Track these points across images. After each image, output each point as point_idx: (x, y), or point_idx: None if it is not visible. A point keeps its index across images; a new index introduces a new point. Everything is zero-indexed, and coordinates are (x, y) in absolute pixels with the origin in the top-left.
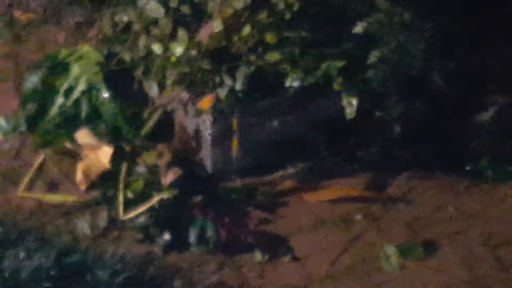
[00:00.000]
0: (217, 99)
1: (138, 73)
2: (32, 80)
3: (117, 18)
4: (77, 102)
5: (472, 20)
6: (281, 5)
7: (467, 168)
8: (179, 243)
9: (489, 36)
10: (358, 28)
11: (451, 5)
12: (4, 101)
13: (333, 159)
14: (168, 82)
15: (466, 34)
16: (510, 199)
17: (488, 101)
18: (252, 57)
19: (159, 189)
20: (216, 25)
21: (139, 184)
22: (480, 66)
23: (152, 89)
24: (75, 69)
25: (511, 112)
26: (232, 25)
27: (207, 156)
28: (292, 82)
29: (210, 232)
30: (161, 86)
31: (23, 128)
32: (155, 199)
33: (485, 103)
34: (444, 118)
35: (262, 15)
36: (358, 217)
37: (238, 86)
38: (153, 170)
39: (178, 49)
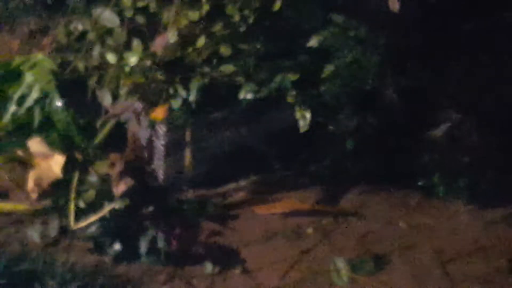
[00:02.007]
0: (171, 110)
1: (92, 82)
2: None
3: (71, 27)
4: (30, 110)
5: (426, 36)
6: (237, 17)
7: (419, 183)
8: (129, 254)
9: (443, 52)
10: (313, 42)
11: (405, 22)
12: None
13: (285, 172)
14: (122, 92)
15: (420, 50)
16: (461, 215)
17: (441, 117)
18: (206, 69)
19: (111, 199)
20: (171, 36)
21: (91, 194)
22: (433, 82)
23: (106, 98)
24: (28, 77)
25: (463, 129)
26: (187, 37)
27: (159, 167)
28: (246, 94)
29: (161, 243)
30: (115, 96)
31: None
32: (106, 209)
33: (438, 119)
34: (396, 133)
35: (217, 27)
36: (309, 230)
37: (191, 98)
38: (105, 180)
39: (132, 59)
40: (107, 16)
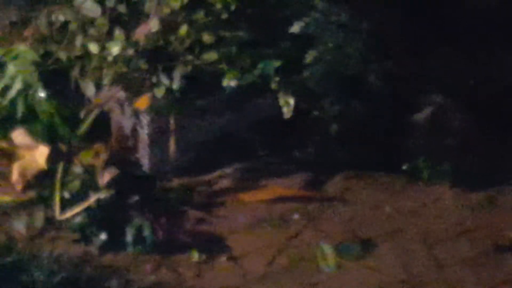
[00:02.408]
0: (154, 99)
1: (75, 72)
2: None
3: (53, 17)
4: (13, 101)
5: (411, 21)
6: (218, 5)
7: (404, 167)
8: (115, 243)
9: (428, 38)
10: (295, 28)
11: (389, 6)
12: None
13: (270, 159)
14: (105, 81)
15: (404, 35)
16: (446, 198)
17: (425, 102)
18: (189, 57)
19: (96, 189)
20: (153, 25)
21: (76, 184)
22: (418, 67)
23: (89, 88)
24: (10, 69)
25: (447, 112)
26: (169, 25)
27: (144, 156)
28: (229, 81)
29: (147, 232)
30: (98, 86)
31: None
32: (91, 199)
33: (422, 104)
34: (380, 118)
35: (199, 15)
36: (295, 216)
37: (175, 86)
38: (90, 170)
39: (114, 49)
40: (89, 6)
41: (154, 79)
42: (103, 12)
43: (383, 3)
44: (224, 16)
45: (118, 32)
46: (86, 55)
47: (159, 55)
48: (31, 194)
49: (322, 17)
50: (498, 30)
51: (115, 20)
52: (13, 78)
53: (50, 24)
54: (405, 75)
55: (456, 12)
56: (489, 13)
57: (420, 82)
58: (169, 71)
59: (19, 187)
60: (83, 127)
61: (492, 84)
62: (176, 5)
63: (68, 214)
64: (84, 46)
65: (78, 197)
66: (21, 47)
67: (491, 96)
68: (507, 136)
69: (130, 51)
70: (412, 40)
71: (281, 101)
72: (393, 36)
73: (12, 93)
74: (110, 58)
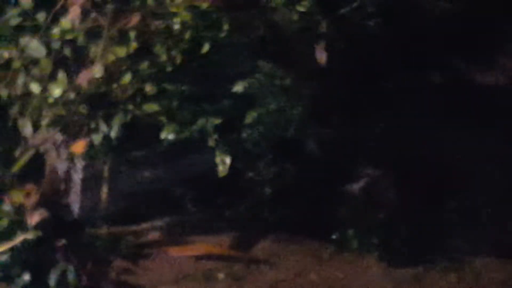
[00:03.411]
0: (91, 145)
1: (14, 110)
2: None
3: None
4: None
5: (351, 90)
6: (164, 57)
7: (333, 236)
8: (38, 286)
9: (367, 110)
10: (239, 87)
11: (331, 75)
12: None
13: (201, 215)
14: (43, 122)
15: (345, 105)
16: (373, 270)
17: (359, 172)
18: (130, 106)
19: (24, 229)
20: (97, 71)
21: (4, 222)
22: (355, 136)
23: (26, 128)
24: None
25: (380, 186)
26: (113, 72)
27: (75, 201)
28: (168, 134)
29: (70, 277)
30: (36, 126)
31: None
32: (18, 239)
33: (356, 174)
34: (314, 184)
35: (144, 65)
36: (221, 275)
37: (113, 134)
38: (19, 210)
39: (56, 91)
40: (34, 46)
41: (92, 125)
42: (48, 54)
43: (327, 72)
44: (169, 68)
45: (61, 75)
46: (27, 94)
47: (100, 101)
48: None
49: (266, 79)
50: (441, 106)
51: (59, 62)
52: None
53: None
54: (342, 144)
55: (397, 86)
56: (430, 86)
57: (356, 152)
58: (108, 118)
59: None
60: (17, 166)
61: (428, 160)
62: (122, 53)
63: None
64: (25, 86)
65: (5, 235)
66: None
67: (424, 172)
68: (437, 215)
69: (72, 95)
70: (352, 110)
71: (218, 159)
72: (334, 105)
73: None
74: (50, 100)
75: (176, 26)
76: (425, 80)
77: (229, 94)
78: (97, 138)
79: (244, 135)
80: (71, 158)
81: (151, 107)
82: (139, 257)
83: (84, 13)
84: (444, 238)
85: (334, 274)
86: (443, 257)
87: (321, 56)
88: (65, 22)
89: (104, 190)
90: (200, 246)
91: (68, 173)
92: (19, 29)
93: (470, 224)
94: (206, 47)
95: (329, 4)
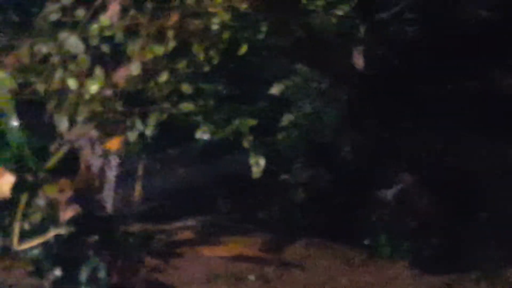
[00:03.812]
0: (126, 142)
1: (51, 106)
2: None
3: (36, 48)
4: None
5: (387, 96)
6: (201, 57)
7: (365, 242)
8: (69, 280)
9: (404, 116)
10: (275, 89)
11: (368, 80)
12: None
13: (233, 216)
14: (79, 118)
15: (381, 111)
16: (404, 276)
17: (393, 179)
18: (166, 105)
19: (57, 224)
20: (135, 68)
21: (37, 217)
22: (390, 142)
23: (62, 123)
24: None
25: (414, 192)
26: (150, 70)
27: (108, 197)
28: (203, 134)
29: (101, 274)
30: (72, 122)
31: None
32: (51, 234)
33: (390, 180)
34: (348, 189)
35: (181, 64)
36: (252, 277)
37: (148, 132)
38: (53, 205)
39: (93, 87)
40: (73, 42)
41: (128, 122)
42: (86, 50)
43: (364, 76)
44: (206, 68)
45: (98, 71)
46: (63, 90)
47: (136, 99)
48: None
49: (302, 82)
50: (478, 115)
51: (97, 58)
52: None
53: (32, 54)
54: (377, 149)
55: (433, 93)
56: (467, 94)
57: (390, 158)
58: (144, 116)
59: None
60: (52, 161)
61: (463, 169)
62: (160, 51)
63: (26, 245)
64: (63, 81)
65: (38, 229)
66: (0, 74)
67: (458, 180)
68: (470, 223)
69: (108, 92)
70: (387, 116)
71: (252, 160)
72: (369, 110)
73: None
74: (87, 96)
75: (215, 26)
76: (462, 88)
77: (265, 96)
78: (132, 136)
79: (279, 137)
80: (106, 154)
81: (187, 106)
82: (170, 256)
83: (123, 10)
84: (476, 246)
85: (365, 280)
86: (475, 266)
87: (358, 61)
88: (104, 18)
89: (138, 187)
90: (232, 247)
91: (102, 169)
92: (58, 25)
93: (503, 233)
94: (243, 48)
95: (368, 9)
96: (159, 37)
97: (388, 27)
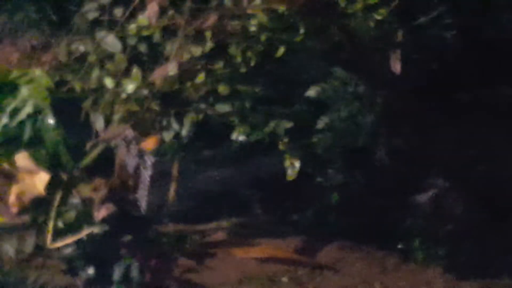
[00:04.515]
0: (161, 142)
1: (87, 104)
2: None
3: (73, 47)
4: (21, 124)
5: (424, 101)
6: (238, 58)
7: (399, 246)
8: (101, 279)
9: (439, 120)
10: (311, 92)
11: (405, 85)
12: None
13: (267, 218)
14: (115, 117)
15: (416, 115)
16: (438, 281)
17: (428, 183)
18: (202, 105)
19: (90, 222)
20: (172, 69)
21: (71, 215)
22: (426, 147)
23: (98, 122)
24: (23, 91)
25: (449, 197)
26: (187, 71)
27: (143, 197)
28: (238, 135)
29: (134, 273)
30: (108, 121)
31: None
32: (84, 232)
33: (425, 185)
34: (382, 193)
35: (218, 65)
36: (285, 279)
37: (184, 132)
38: (87, 203)
39: (130, 86)
40: (110, 41)
41: (164, 122)
42: (123, 49)
43: (401, 81)
44: (243, 70)
45: (135, 71)
46: (100, 88)
47: (172, 99)
48: (25, 218)
49: (339, 85)
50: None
51: (134, 58)
52: (24, 101)
53: (70, 52)
54: (412, 154)
55: (474, 99)
56: (504, 101)
57: (426, 163)
58: (180, 117)
59: (14, 209)
60: (87, 160)
61: (498, 174)
62: (197, 52)
63: (59, 243)
64: (99, 80)
65: (71, 228)
66: (37, 72)
67: (495, 186)
68: (505, 229)
69: (145, 91)
70: (423, 121)
71: (287, 162)
72: (406, 114)
73: (21, 116)
74: (123, 95)
75: (252, 28)
76: (500, 94)
77: (301, 99)
78: (168, 136)
79: (314, 140)
80: (141, 154)
81: (224, 107)
82: (204, 257)
83: (162, 11)
84: (510, 253)
85: (398, 284)
86: (509, 272)
87: (396, 65)
88: (142, 18)
89: (172, 187)
90: (265, 248)
91: (137, 169)
92: (96, 24)
93: None
94: (281, 50)
95: (406, 14)
96: (197, 37)
97: (426, 32)
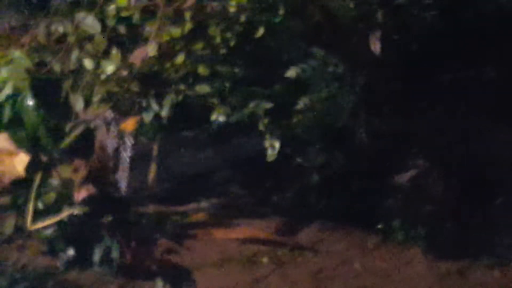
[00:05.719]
0: (141, 123)
1: (66, 85)
2: None
3: (52, 28)
4: (0, 105)
5: (404, 82)
6: (218, 39)
7: (379, 226)
8: (82, 260)
9: (419, 101)
10: (291, 72)
11: (385, 65)
12: None
13: (247, 199)
14: (95, 98)
15: (396, 95)
16: (417, 264)
17: (408, 164)
18: (182, 86)
19: (71, 204)
20: (151, 50)
21: (51, 196)
22: (406, 128)
23: (78, 103)
24: (2, 73)
25: (429, 178)
26: (166, 52)
27: (123, 178)
28: (218, 116)
29: (114, 254)
30: (87, 102)
31: None
32: (64, 213)
33: (405, 165)
34: (362, 173)
35: (198, 46)
36: (265, 259)
37: (163, 113)
38: (67, 184)
39: (109, 68)
40: (89, 22)
41: (144, 103)
42: (103, 30)
43: (381, 62)
44: (222, 51)
45: (114, 52)
46: (80, 70)
47: (152, 80)
48: (5, 199)
49: (319, 66)
50: (495, 103)
51: (113, 39)
52: (3, 83)
53: (49, 34)
54: (392, 134)
55: (451, 80)
56: (485, 81)
57: (405, 143)
58: (160, 98)
59: None
60: (67, 141)
61: (479, 156)
62: (176, 33)
63: (39, 225)
64: (79, 61)
65: (51, 209)
66: (17, 53)
67: (475, 167)
68: (485, 210)
69: (124, 72)
70: (404, 102)
71: (267, 143)
72: (386, 95)
73: (1, 97)
74: (103, 76)
75: (232, 9)
76: (480, 75)
77: (281, 79)
78: (147, 117)
79: (294, 120)
80: (121, 135)
81: (203, 88)
82: (183, 238)
83: None
84: (490, 234)
85: (378, 264)
86: (488, 253)
87: (376, 46)
88: None
89: (152, 169)
90: (246, 229)
91: (117, 150)
92: (75, 5)
93: None
94: (260, 31)
95: None
96: (176, 18)
97: (407, 12)
